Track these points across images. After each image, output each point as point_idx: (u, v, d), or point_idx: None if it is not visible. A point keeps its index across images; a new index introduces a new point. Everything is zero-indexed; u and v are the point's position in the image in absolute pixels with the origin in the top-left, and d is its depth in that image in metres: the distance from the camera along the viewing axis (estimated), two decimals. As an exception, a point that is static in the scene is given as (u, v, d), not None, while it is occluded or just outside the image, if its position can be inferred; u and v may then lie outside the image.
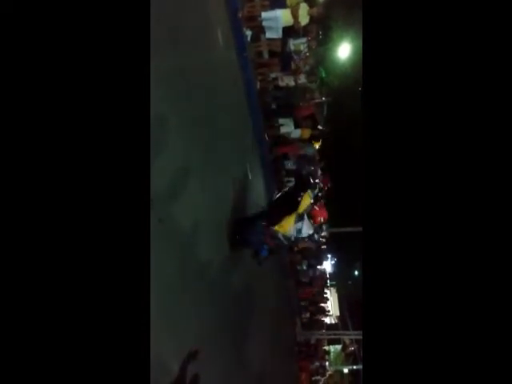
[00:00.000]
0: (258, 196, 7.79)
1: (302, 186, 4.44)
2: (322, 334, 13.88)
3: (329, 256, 18.25)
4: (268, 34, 6.97)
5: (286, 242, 4.19)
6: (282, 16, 6.72)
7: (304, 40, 7.65)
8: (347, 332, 14.40)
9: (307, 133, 8.92)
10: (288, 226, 4.06)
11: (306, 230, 4.16)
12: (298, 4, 6.74)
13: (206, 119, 4.09)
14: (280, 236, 4.07)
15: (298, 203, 4.09)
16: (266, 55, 7.57)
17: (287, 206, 4.18)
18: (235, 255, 4.40)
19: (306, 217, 4.16)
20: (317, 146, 11.45)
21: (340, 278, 20.23)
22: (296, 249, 15.00)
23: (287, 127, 8.67)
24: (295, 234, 4.10)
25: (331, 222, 16.52)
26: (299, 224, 4.08)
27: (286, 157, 10.12)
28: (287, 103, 8.22)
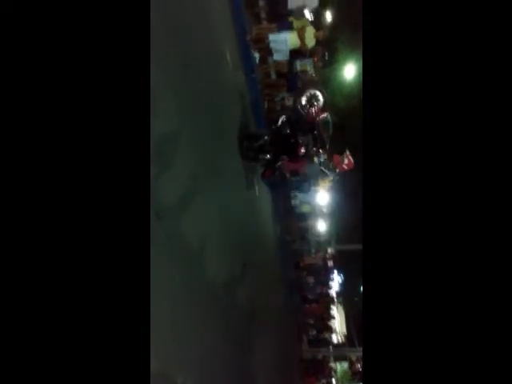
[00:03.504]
0: (265, 211, 7.89)
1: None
2: (328, 351, 13.70)
3: (335, 272, 18.09)
4: (275, 56, 7.19)
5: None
6: (289, 39, 6.94)
7: (310, 61, 7.87)
8: (354, 349, 14.19)
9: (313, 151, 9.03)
10: None
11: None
12: (304, 27, 6.96)
13: (213, 136, 4.24)
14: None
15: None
16: (273, 76, 7.80)
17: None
18: (242, 270, 4.49)
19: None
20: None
21: (347, 294, 19.98)
22: (302, 265, 14.96)
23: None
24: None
25: (338, 239, 16.48)
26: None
27: (292, 174, 10.22)
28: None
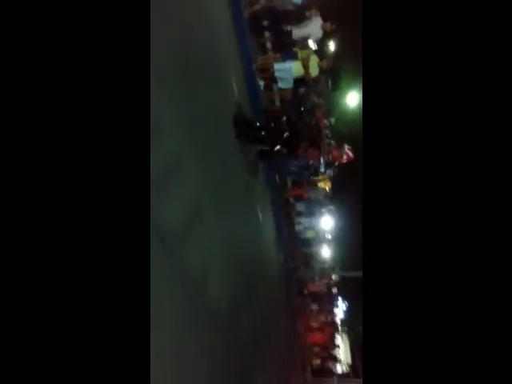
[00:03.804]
0: (268, 236, 7.86)
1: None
2: (332, 382, 13.26)
3: (340, 300, 17.77)
4: (280, 84, 7.36)
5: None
6: (294, 67, 7.13)
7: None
8: (359, 380, 13.74)
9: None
10: None
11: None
12: (308, 56, 7.15)
13: (217, 161, 4.29)
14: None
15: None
16: (277, 103, 7.96)
17: None
18: (246, 296, 4.43)
19: None
20: (327, 187, 11.62)
21: (351, 323, 19.53)
22: (306, 292, 14.72)
23: (298, 170, 8.89)
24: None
25: (342, 265, 16.28)
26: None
27: (296, 199, 10.27)
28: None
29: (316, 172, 5.05)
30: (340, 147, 4.88)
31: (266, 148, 5.06)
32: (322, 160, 4.68)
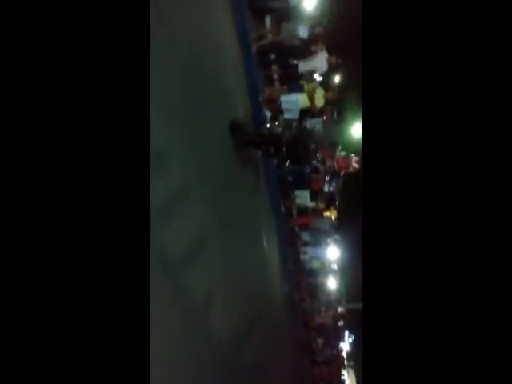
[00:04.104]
0: (273, 266, 7.77)
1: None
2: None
3: (346, 333, 17.27)
4: (286, 115, 7.51)
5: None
6: (300, 99, 7.29)
7: (319, 120, 8.18)
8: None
9: (323, 205, 9.12)
10: None
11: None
12: (314, 89, 7.34)
13: (222, 190, 4.32)
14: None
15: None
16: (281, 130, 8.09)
17: None
18: (249, 327, 4.34)
19: None
20: (333, 216, 11.57)
21: (358, 357, 18.88)
22: (311, 324, 14.35)
23: (303, 199, 8.92)
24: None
25: (348, 297, 15.93)
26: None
27: (302, 228, 10.22)
28: (303, 176, 8.55)
29: (317, 170, 4.85)
30: (347, 157, 4.78)
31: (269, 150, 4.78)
32: (326, 178, 4.57)
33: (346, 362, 17.03)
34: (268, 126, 4.32)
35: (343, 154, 4.74)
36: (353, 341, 18.08)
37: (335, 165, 4.65)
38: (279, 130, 4.46)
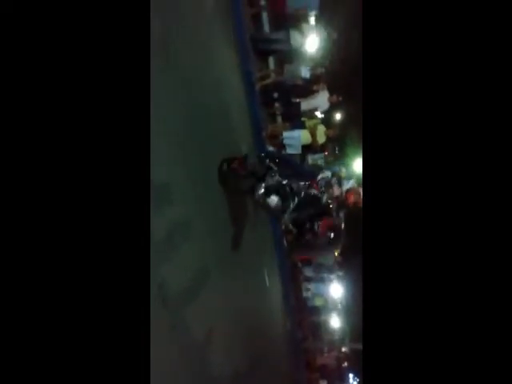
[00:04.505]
0: (275, 302, 7.60)
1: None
2: None
3: (350, 376, 16.55)
4: (288, 150, 7.64)
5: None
6: (302, 135, 7.44)
7: (321, 155, 8.32)
8: None
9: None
10: None
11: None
12: (315, 125, 7.51)
13: (224, 225, 4.31)
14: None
15: None
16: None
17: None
18: (249, 367, 4.19)
19: None
20: (336, 252, 11.43)
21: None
22: (314, 365, 13.79)
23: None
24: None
25: (353, 337, 15.37)
26: None
27: (304, 263, 10.09)
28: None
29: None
30: (356, 189, 4.51)
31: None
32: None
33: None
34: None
35: (352, 184, 4.51)
36: (358, 383, 17.29)
37: (343, 196, 4.41)
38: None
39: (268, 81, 7.67)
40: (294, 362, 10.05)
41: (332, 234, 4.11)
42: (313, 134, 7.44)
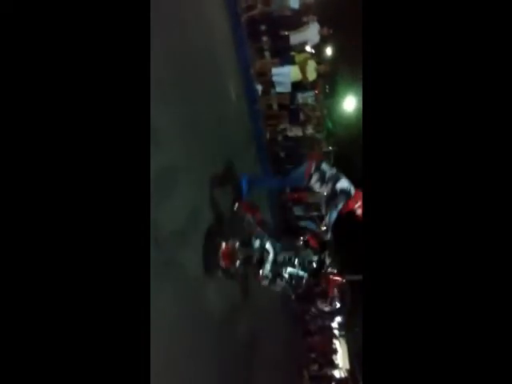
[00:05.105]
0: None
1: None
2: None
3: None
4: (278, 88, 7.39)
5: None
6: (291, 72, 7.17)
7: (312, 93, 8.07)
8: (358, 387, 13.66)
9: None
10: None
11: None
12: (305, 61, 7.20)
13: (215, 167, 4.29)
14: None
15: None
16: (275, 107, 7.99)
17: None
18: (242, 301, 4.41)
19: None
20: (325, 192, 11.60)
21: (349, 327, 19.43)
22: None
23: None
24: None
25: (341, 269, 16.18)
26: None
27: (294, 203, 10.27)
28: (295, 152, 8.52)
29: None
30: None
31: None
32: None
33: (337, 332, 17.51)
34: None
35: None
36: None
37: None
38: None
39: (254, 12, 7.18)
40: (285, 295, 10.58)
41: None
42: (303, 71, 7.17)
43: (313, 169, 3.74)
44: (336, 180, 3.72)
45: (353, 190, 3.70)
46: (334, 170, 3.80)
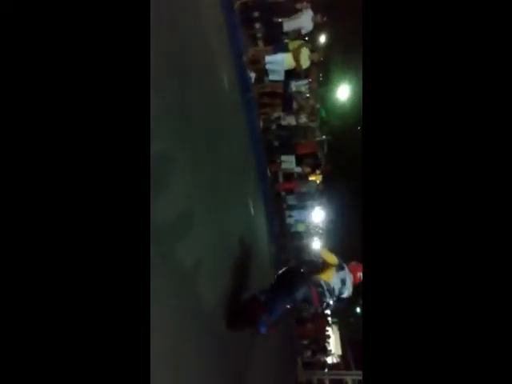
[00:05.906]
0: (261, 232, 7.86)
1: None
2: (324, 374, 13.42)
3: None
4: (271, 77, 7.31)
5: (328, 297, 3.65)
6: (285, 59, 7.09)
7: (305, 82, 8.02)
8: (350, 372, 13.93)
9: (308, 170, 9.15)
10: (330, 275, 3.71)
11: (350, 283, 3.79)
12: (299, 48, 7.12)
13: (209, 156, 4.25)
14: (323, 284, 3.61)
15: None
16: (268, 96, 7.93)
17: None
18: (235, 290, 4.43)
19: (346, 268, 3.82)
20: (318, 181, 11.65)
21: (342, 314, 19.74)
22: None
23: (289, 164, 8.91)
24: (339, 284, 3.70)
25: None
26: (342, 273, 3.74)
27: (287, 193, 10.30)
28: (289, 141, 8.50)
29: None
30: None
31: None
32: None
33: (330, 319, 17.77)
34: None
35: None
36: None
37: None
38: None
39: (248, -2, 7.07)
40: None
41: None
42: (296, 58, 7.09)
43: (316, 291, 3.67)
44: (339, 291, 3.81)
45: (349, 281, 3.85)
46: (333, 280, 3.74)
